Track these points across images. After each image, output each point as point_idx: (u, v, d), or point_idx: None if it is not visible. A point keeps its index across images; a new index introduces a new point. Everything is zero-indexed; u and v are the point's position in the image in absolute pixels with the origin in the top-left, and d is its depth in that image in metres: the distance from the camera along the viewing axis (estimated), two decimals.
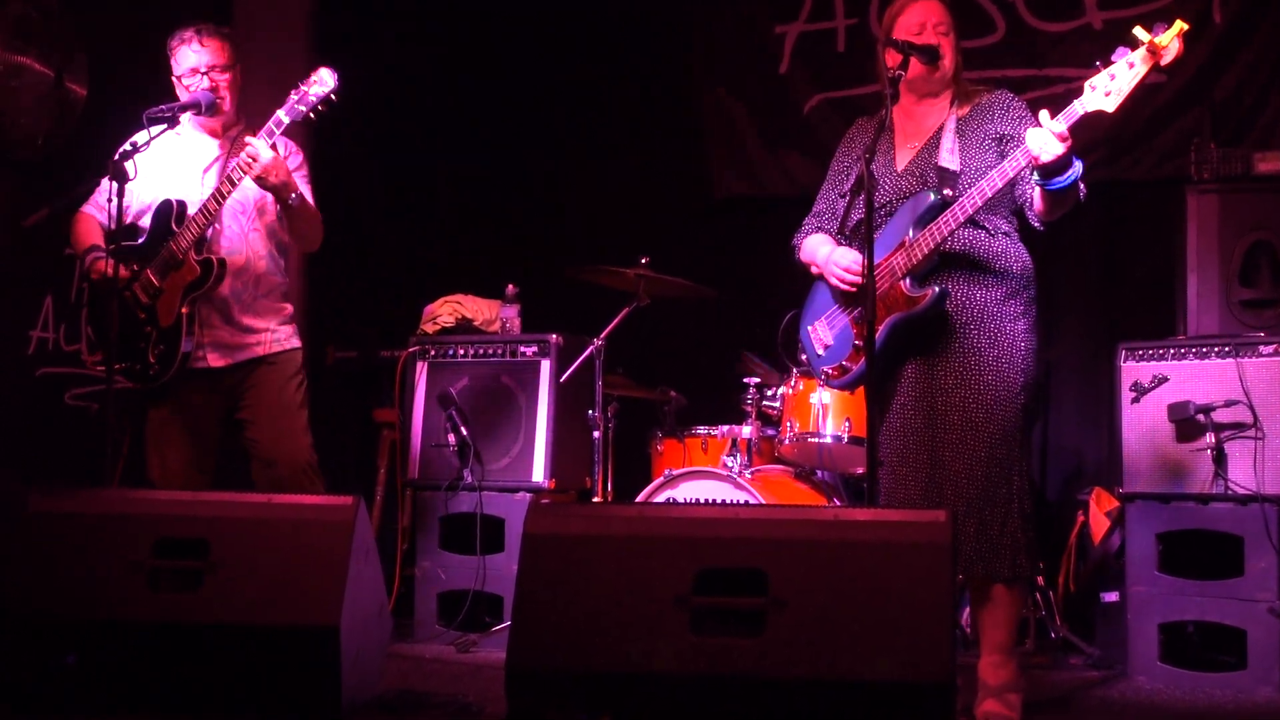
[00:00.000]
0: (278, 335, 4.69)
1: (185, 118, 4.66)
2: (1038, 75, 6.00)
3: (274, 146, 4.40)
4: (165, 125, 4.42)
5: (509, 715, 3.30)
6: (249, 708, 3.58)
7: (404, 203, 7.30)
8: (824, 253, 4.10)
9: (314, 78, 4.36)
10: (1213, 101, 5.88)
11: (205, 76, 4.55)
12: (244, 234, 4.62)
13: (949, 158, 3.94)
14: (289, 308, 4.79)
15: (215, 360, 4.59)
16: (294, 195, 4.48)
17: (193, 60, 4.58)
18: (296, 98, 4.36)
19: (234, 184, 4.43)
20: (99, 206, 4.59)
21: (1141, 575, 4.81)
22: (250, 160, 4.36)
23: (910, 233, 3.88)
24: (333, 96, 4.36)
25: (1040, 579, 5.20)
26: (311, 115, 4.37)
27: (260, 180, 4.41)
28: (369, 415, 6.30)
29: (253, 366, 4.64)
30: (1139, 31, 3.61)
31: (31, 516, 3.77)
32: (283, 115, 4.36)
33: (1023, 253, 4.01)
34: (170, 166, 4.64)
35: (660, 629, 3.22)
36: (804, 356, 4.39)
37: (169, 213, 4.55)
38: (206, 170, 4.62)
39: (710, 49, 6.91)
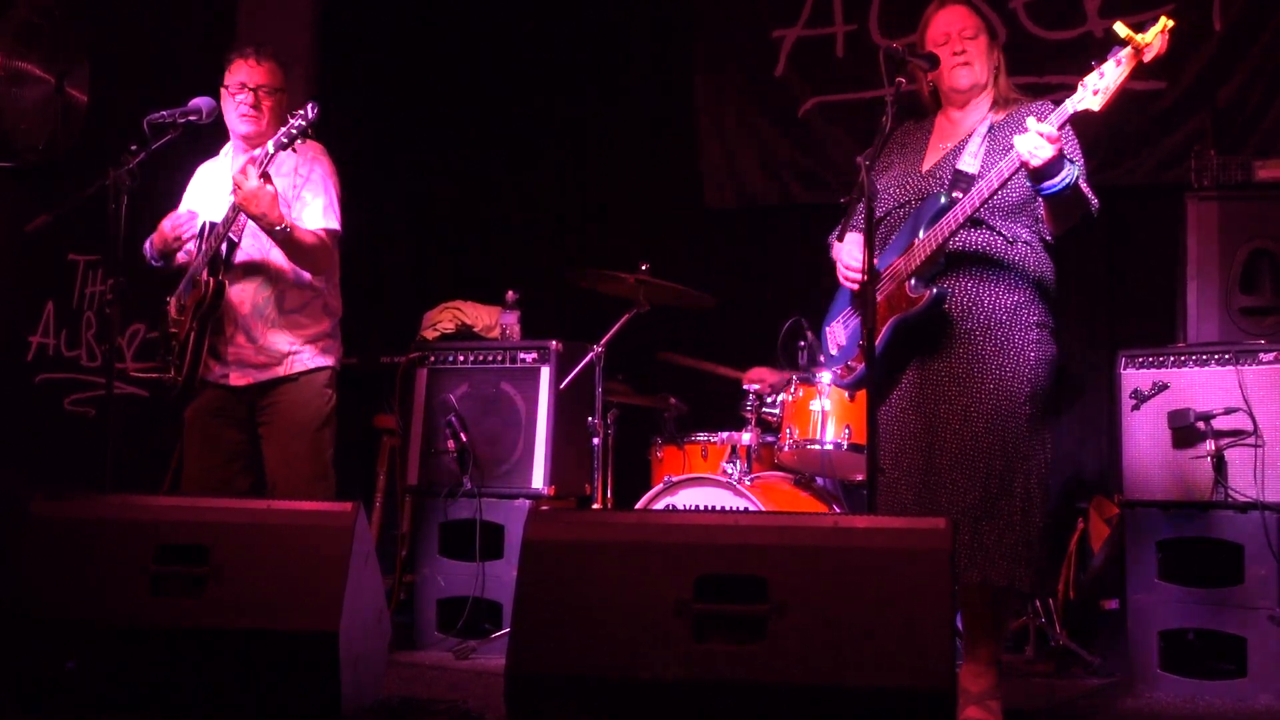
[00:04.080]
0: (302, 355, 4.66)
1: (229, 144, 4.77)
2: (1039, 83, 5.99)
3: (265, 173, 4.40)
4: (170, 134, 4.45)
5: None
6: (249, 713, 3.58)
7: (404, 209, 7.31)
8: (842, 250, 4.10)
9: (300, 111, 4.36)
10: (1215, 107, 5.88)
11: (254, 94, 4.60)
12: (264, 250, 4.60)
13: (970, 161, 3.94)
14: (325, 323, 4.74)
15: (237, 379, 4.62)
16: (279, 228, 4.42)
17: (243, 75, 4.63)
18: (284, 130, 4.38)
19: (237, 212, 4.49)
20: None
21: (1142, 583, 4.81)
22: (237, 186, 4.40)
23: (920, 234, 3.89)
24: (309, 130, 4.37)
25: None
26: (293, 148, 4.40)
27: (243, 208, 4.42)
28: (369, 421, 6.30)
29: (276, 383, 4.64)
30: (1119, 28, 3.62)
31: (34, 521, 3.77)
32: (270, 146, 4.39)
33: (1042, 262, 3.99)
34: (211, 190, 4.74)
35: (660, 635, 3.22)
36: (821, 356, 4.40)
37: (203, 234, 4.62)
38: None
39: (707, 53, 6.92)
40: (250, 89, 4.61)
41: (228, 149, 4.79)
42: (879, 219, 3.95)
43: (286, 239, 4.46)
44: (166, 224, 4.59)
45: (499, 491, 5.46)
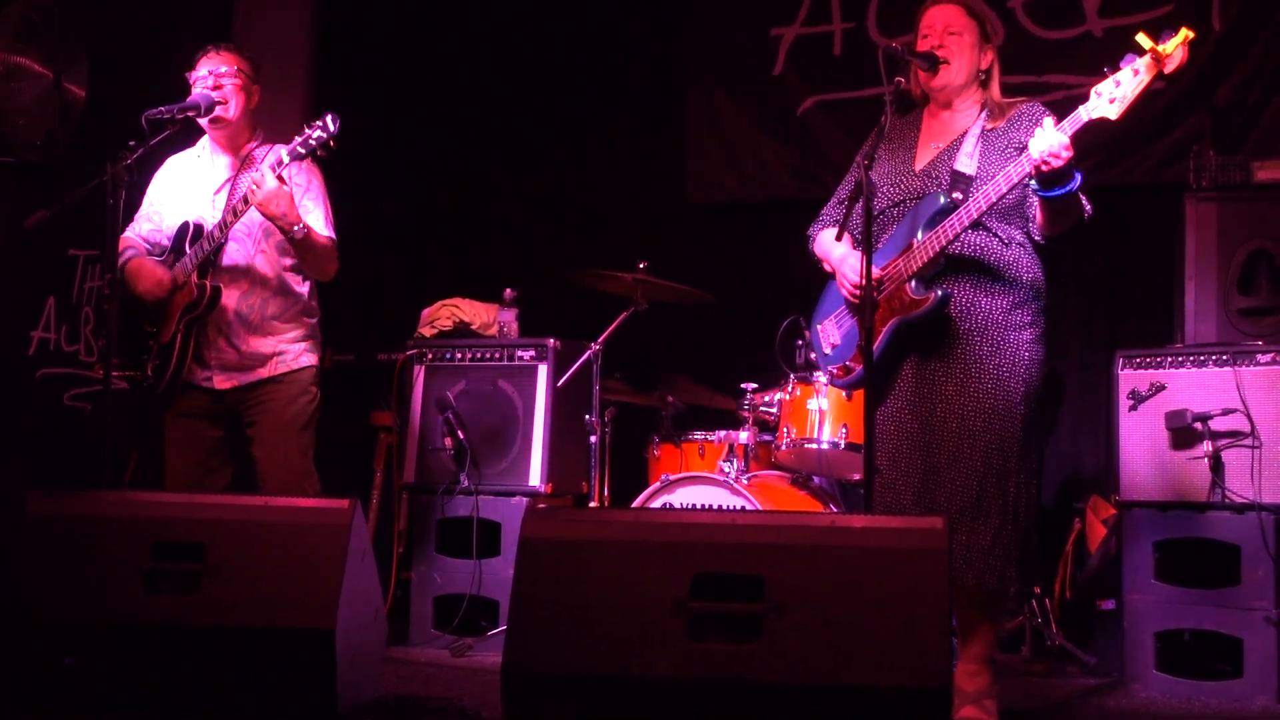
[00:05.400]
0: (285, 356, 4.67)
1: (204, 139, 4.76)
2: (1037, 82, 6.01)
3: (280, 177, 4.39)
4: (168, 130, 4.44)
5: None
6: (245, 711, 3.58)
7: (402, 206, 7.30)
8: (838, 254, 4.08)
9: (319, 122, 4.35)
10: (1213, 107, 5.88)
11: (211, 77, 4.58)
12: (250, 256, 4.62)
13: (967, 162, 3.93)
14: (306, 325, 4.75)
15: (221, 383, 4.63)
16: (298, 228, 4.44)
17: (206, 68, 4.63)
18: (300, 139, 4.36)
19: (237, 214, 4.49)
20: (136, 233, 4.79)
21: (1138, 583, 4.82)
22: (255, 187, 4.39)
23: (918, 235, 3.88)
24: (331, 143, 4.35)
25: (1037, 588, 5.19)
26: (309, 158, 4.39)
27: (261, 208, 4.42)
28: (366, 418, 6.30)
29: (259, 384, 4.65)
30: (1142, 39, 3.61)
31: (30, 519, 3.76)
32: (284, 154, 4.39)
33: (1035, 264, 4.00)
34: (188, 188, 4.72)
35: (657, 634, 3.22)
36: (813, 355, 4.39)
37: (185, 235, 4.61)
38: (217, 191, 4.65)
39: (704, 50, 6.91)
40: (211, 74, 4.60)
41: (204, 145, 4.77)
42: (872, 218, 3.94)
43: (305, 239, 4.47)
44: (152, 285, 4.58)
45: (496, 489, 5.46)
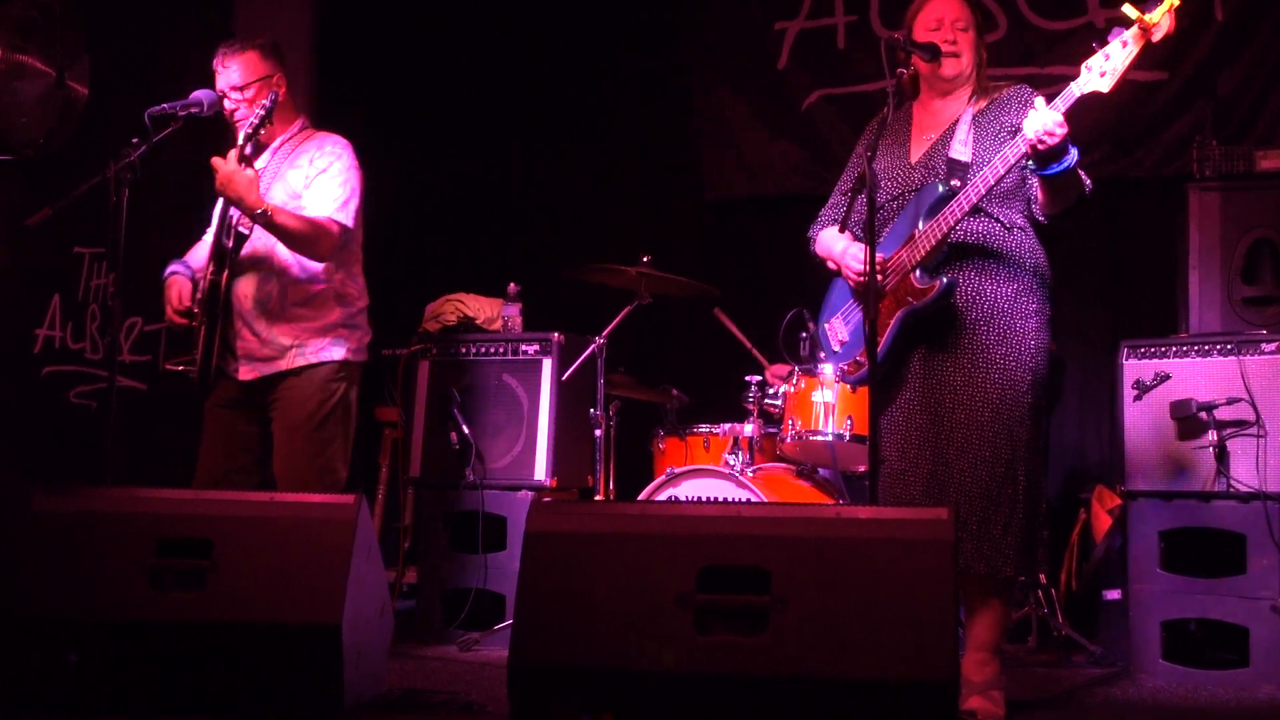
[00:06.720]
0: (305, 349, 4.58)
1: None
2: (1039, 73, 6.00)
3: (244, 160, 4.38)
4: (171, 127, 4.44)
5: (511, 714, 3.30)
6: (251, 707, 3.58)
7: (407, 201, 7.30)
8: (840, 248, 4.09)
9: (262, 102, 4.47)
10: (1215, 98, 5.88)
11: (225, 97, 4.58)
12: (269, 243, 4.54)
13: (961, 149, 3.94)
14: (334, 313, 4.64)
15: (245, 373, 4.57)
16: (258, 211, 4.36)
17: (221, 82, 4.60)
18: (249, 120, 4.47)
19: (227, 206, 4.49)
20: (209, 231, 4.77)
21: (1144, 573, 4.82)
22: (215, 170, 4.38)
23: (920, 225, 3.89)
24: (269, 118, 4.47)
25: (1043, 577, 5.19)
26: (259, 134, 4.47)
27: (220, 191, 4.40)
28: (371, 413, 6.31)
29: (281, 378, 4.58)
30: (1129, 9, 3.63)
31: (35, 515, 3.77)
32: (240, 137, 4.45)
33: (1038, 249, 4.00)
34: None
35: (663, 627, 3.22)
36: (821, 353, 4.39)
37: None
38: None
39: (707, 46, 6.91)
40: (225, 93, 4.59)
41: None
42: (859, 220, 3.95)
43: (267, 223, 4.40)
44: (168, 309, 4.65)
45: (501, 483, 5.46)
